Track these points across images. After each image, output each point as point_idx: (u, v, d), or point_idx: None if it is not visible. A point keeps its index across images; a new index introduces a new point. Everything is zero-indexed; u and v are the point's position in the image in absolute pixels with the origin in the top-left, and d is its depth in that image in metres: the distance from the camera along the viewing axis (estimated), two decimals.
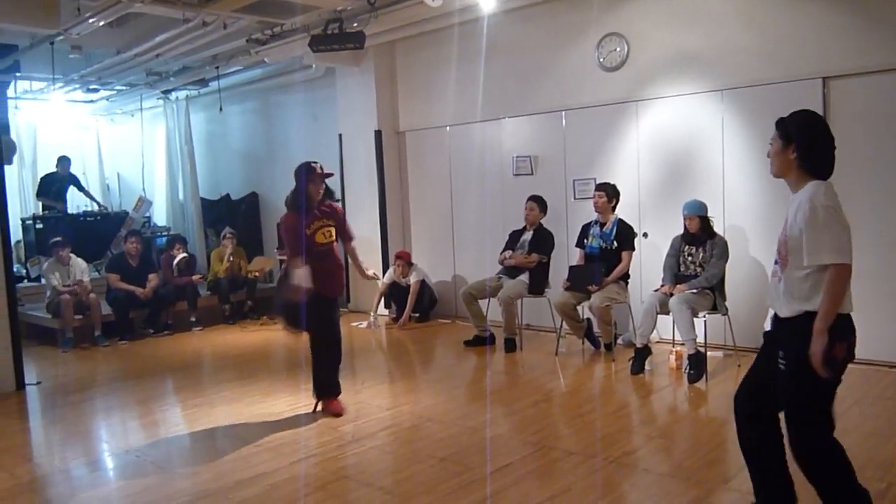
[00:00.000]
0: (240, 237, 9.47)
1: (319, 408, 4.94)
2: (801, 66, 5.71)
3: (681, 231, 5.87)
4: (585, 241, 6.40)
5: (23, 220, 10.26)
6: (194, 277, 8.75)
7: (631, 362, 5.73)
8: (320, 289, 4.71)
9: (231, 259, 8.99)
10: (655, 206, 6.66)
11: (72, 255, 8.11)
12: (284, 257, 4.92)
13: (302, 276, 4.62)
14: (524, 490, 3.56)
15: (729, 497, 3.35)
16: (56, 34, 6.96)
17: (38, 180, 10.64)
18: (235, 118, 11.08)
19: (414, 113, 8.73)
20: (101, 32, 7.17)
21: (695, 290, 5.55)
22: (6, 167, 6.49)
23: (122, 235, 9.33)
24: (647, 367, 5.71)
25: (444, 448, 4.20)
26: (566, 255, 7.01)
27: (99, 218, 10.68)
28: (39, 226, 9.90)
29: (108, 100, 10.92)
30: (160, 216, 11.67)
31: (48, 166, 10.72)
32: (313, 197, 4.79)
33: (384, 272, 8.51)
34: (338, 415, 4.87)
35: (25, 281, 9.42)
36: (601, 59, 6.87)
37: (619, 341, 6.63)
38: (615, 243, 6.20)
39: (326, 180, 4.88)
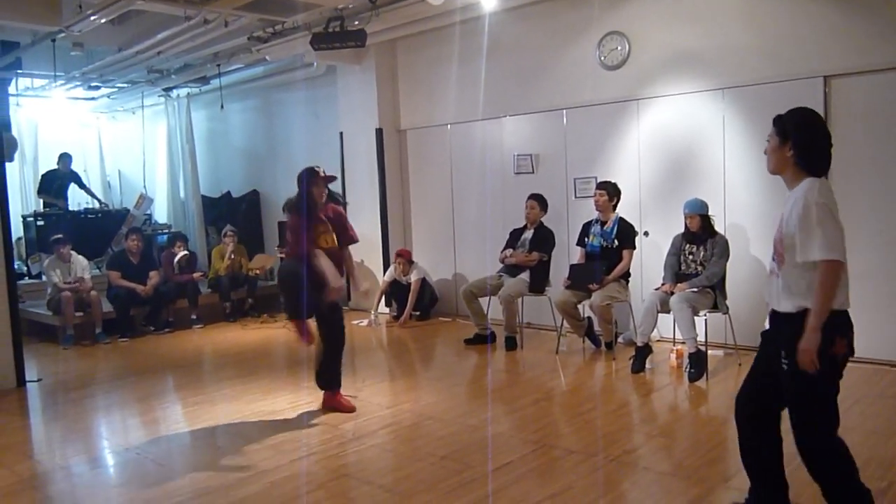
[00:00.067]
0: (241, 235, 9.47)
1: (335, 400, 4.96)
2: (802, 65, 5.71)
3: (681, 230, 5.87)
4: (586, 239, 6.39)
5: (24, 217, 10.27)
6: (195, 275, 8.76)
7: (631, 361, 5.73)
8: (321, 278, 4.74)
9: (232, 257, 9.00)
10: (656, 205, 6.66)
11: (73, 253, 8.12)
12: (284, 255, 4.92)
13: (327, 265, 4.66)
14: (524, 488, 3.57)
15: (729, 496, 3.35)
16: (58, 31, 6.96)
17: (40, 177, 10.64)
18: (237, 116, 11.08)
19: (415, 111, 8.73)
20: (102, 30, 7.17)
21: (695, 289, 5.54)
22: (7, 164, 6.50)
23: (123, 233, 9.33)
24: (647, 365, 5.71)
25: (444, 446, 4.21)
26: (567, 254, 7.00)
27: (100, 215, 10.68)
28: (40, 223, 9.91)
29: (109, 97, 10.92)
30: (161, 214, 11.67)
31: (49, 163, 10.72)
32: (316, 200, 4.79)
33: (385, 270, 8.52)
34: (350, 410, 4.89)
35: (26, 278, 9.41)
36: (602, 58, 6.86)
37: (620, 340, 6.63)
38: (616, 242, 6.20)
39: (329, 184, 4.90)
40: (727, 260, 5.65)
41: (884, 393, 4.94)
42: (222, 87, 9.41)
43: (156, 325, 8.28)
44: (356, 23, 6.74)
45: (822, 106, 5.56)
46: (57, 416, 5.37)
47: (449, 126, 8.32)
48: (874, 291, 5.52)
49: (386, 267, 8.58)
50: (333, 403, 4.93)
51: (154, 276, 8.25)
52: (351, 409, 4.91)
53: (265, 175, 10.84)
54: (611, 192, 6.27)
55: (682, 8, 6.33)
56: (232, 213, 10.85)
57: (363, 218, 8.62)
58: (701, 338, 5.46)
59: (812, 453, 2.76)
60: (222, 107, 9.59)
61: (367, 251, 8.84)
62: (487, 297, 6.81)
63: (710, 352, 5.60)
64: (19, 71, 9.30)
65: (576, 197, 7.21)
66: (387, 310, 8.63)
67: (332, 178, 4.94)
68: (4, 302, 5.94)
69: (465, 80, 7.96)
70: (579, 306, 6.28)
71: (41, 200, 10.51)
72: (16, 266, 7.44)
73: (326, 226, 4.85)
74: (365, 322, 8.24)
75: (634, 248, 6.26)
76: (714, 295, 5.64)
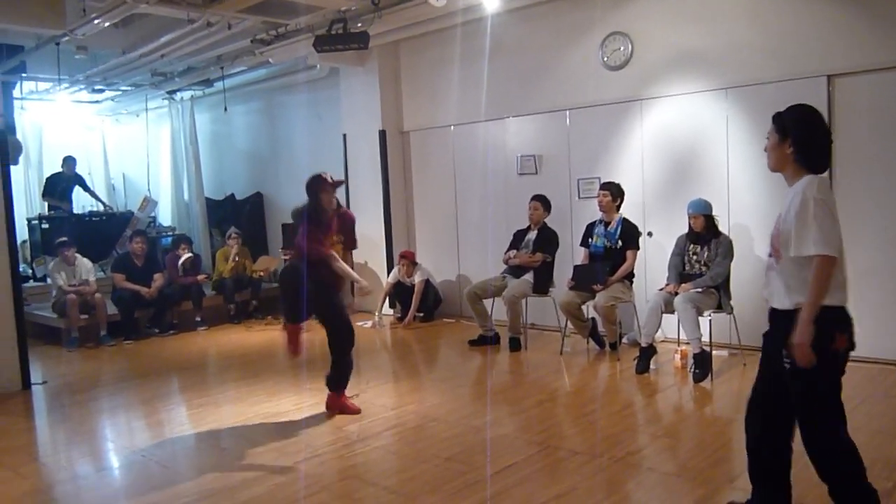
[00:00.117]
0: (245, 237, 9.49)
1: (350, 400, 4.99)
2: (805, 64, 5.70)
3: (685, 230, 5.86)
4: (590, 240, 6.39)
5: (28, 221, 10.30)
6: (199, 277, 8.77)
7: (636, 361, 5.73)
8: (328, 279, 4.77)
9: (236, 259, 9.01)
10: (660, 205, 6.65)
11: (77, 255, 8.14)
12: (288, 257, 4.94)
13: (345, 269, 4.79)
14: (529, 490, 3.56)
15: (734, 496, 3.34)
16: (62, 35, 6.99)
17: (44, 180, 10.68)
18: (240, 118, 11.10)
19: (418, 113, 8.73)
20: (106, 33, 7.19)
21: (700, 289, 5.54)
22: (12, 167, 6.50)
23: (128, 235, 9.36)
24: (652, 366, 5.70)
25: (448, 447, 4.21)
26: (571, 255, 7.00)
27: (104, 218, 10.70)
28: (45, 226, 9.94)
29: (113, 100, 10.95)
30: (165, 216, 11.69)
31: (54, 166, 10.74)
32: (326, 207, 4.80)
33: (388, 272, 8.53)
34: (355, 411, 4.90)
35: (31, 281, 9.45)
36: (605, 58, 6.86)
37: (624, 340, 6.62)
38: (620, 242, 6.19)
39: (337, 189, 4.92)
40: (731, 260, 5.64)
41: (889, 392, 4.92)
42: (226, 89, 9.44)
43: (160, 328, 8.30)
44: (359, 25, 6.75)
45: (826, 105, 5.55)
46: (62, 418, 5.39)
47: (452, 127, 8.33)
48: (879, 290, 5.51)
49: (389, 268, 8.59)
50: (338, 405, 4.93)
51: (158, 279, 8.27)
52: (356, 411, 4.91)
53: (269, 177, 10.86)
54: (614, 192, 6.27)
55: (685, 8, 6.32)
56: (236, 215, 10.86)
57: (367, 220, 8.62)
58: (705, 338, 5.45)
59: (818, 452, 2.76)
60: (226, 109, 9.62)
61: (370, 253, 8.85)
62: (491, 299, 6.81)
63: (714, 352, 5.60)
64: (24, 74, 9.32)
65: (579, 198, 7.20)
66: (390, 311, 8.64)
67: (340, 183, 4.96)
68: (10, 305, 5.96)
69: (468, 81, 7.96)
70: (583, 307, 6.27)
71: (46, 203, 10.55)
72: (21, 269, 7.46)
73: (336, 236, 4.89)
74: (369, 324, 8.24)
75: (638, 248, 6.26)
76: (718, 295, 5.62)
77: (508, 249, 6.85)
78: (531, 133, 7.60)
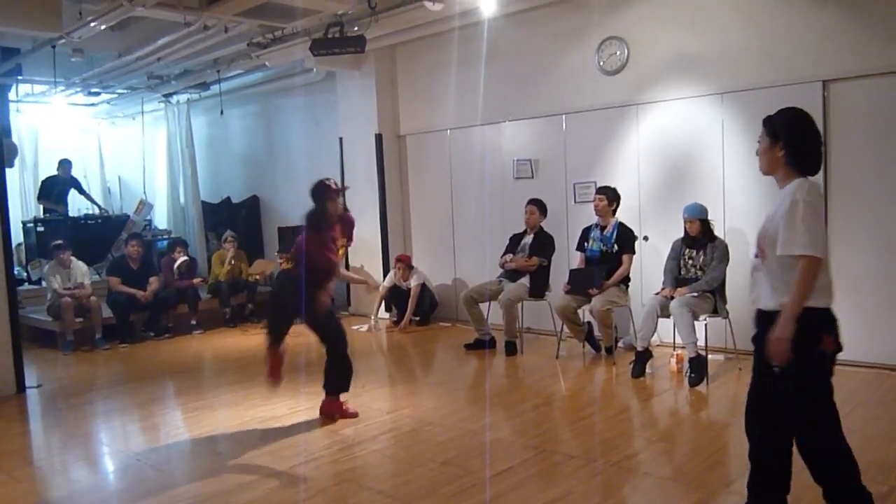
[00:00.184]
0: (241, 240, 9.47)
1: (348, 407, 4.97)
2: (800, 69, 5.72)
3: (681, 234, 5.87)
4: (586, 244, 6.40)
5: (24, 223, 10.27)
6: (195, 281, 8.75)
7: (632, 366, 5.73)
8: (326, 301, 4.78)
9: (232, 262, 9.00)
10: (656, 210, 6.66)
11: (73, 258, 8.12)
12: (283, 260, 4.92)
13: (349, 275, 4.73)
14: (525, 494, 3.56)
15: (730, 500, 3.35)
16: (58, 37, 6.97)
17: (40, 183, 10.65)
18: (236, 122, 11.10)
19: (415, 116, 8.74)
20: (102, 36, 7.18)
21: (695, 294, 5.54)
22: (7, 170, 6.50)
23: (123, 238, 9.33)
24: (647, 370, 5.71)
25: (444, 452, 4.20)
26: (567, 259, 7.00)
27: (100, 221, 10.68)
28: (40, 229, 9.91)
29: (109, 103, 10.93)
30: (161, 219, 11.68)
31: (49, 169, 10.72)
32: (332, 214, 4.80)
33: (385, 275, 8.52)
34: (352, 415, 4.90)
35: (26, 284, 9.42)
36: (601, 63, 6.88)
37: (620, 345, 6.63)
38: (616, 247, 6.20)
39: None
40: (727, 264, 5.65)
41: (884, 397, 4.94)
42: (222, 92, 9.43)
43: (156, 331, 8.28)
44: (356, 28, 6.75)
45: (821, 110, 5.57)
46: (57, 421, 5.37)
47: (448, 131, 8.34)
48: (873, 294, 5.52)
49: (386, 272, 8.58)
50: (335, 409, 4.91)
51: (154, 282, 8.25)
52: (353, 415, 4.90)
53: (265, 181, 10.85)
54: (610, 196, 6.28)
55: (681, 13, 6.34)
56: (232, 218, 10.86)
57: (363, 223, 8.59)
58: (701, 342, 5.46)
59: (813, 453, 2.77)
60: (222, 112, 9.61)
61: (367, 256, 8.85)
62: (487, 303, 6.81)
63: (710, 356, 5.60)
64: (20, 77, 9.31)
65: (575, 202, 7.21)
66: (387, 315, 8.63)
67: (345, 189, 4.97)
68: (4, 308, 5.94)
69: (465, 85, 7.97)
70: (579, 311, 6.28)
71: (41, 206, 10.53)
72: (16, 272, 7.45)
73: (341, 240, 4.89)
74: (365, 327, 8.24)
75: (634, 252, 6.26)
76: (714, 299, 5.63)
77: (505, 253, 6.85)
78: (527, 137, 7.61)
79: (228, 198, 11.24)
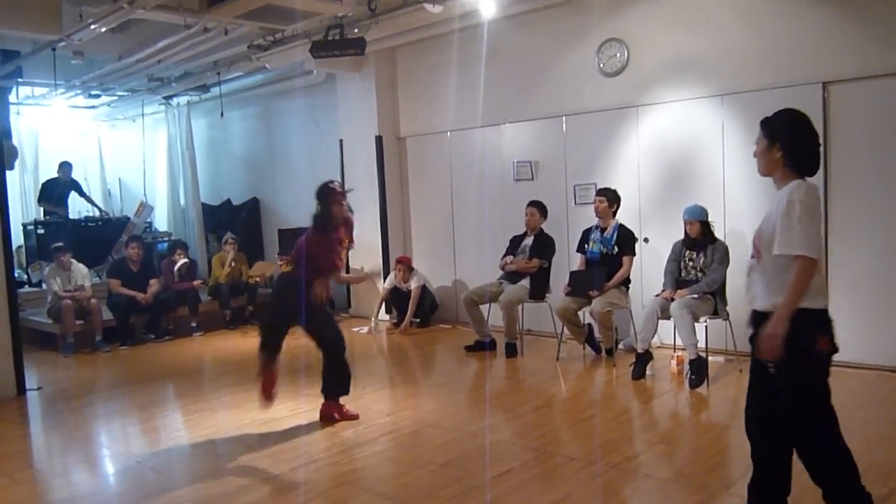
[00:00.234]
0: (241, 243, 9.48)
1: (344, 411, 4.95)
2: (800, 71, 5.72)
3: (681, 236, 5.87)
4: (586, 246, 6.40)
5: (24, 226, 10.28)
6: (195, 283, 8.75)
7: (632, 367, 5.73)
8: (323, 295, 4.76)
9: (232, 264, 9.00)
10: (656, 211, 6.66)
11: (73, 261, 8.12)
12: (283, 262, 4.90)
13: (347, 277, 4.72)
14: (525, 496, 3.56)
15: (731, 502, 3.35)
16: (58, 40, 6.98)
17: (40, 186, 10.66)
18: (236, 124, 11.10)
19: (415, 118, 8.74)
20: (102, 38, 7.18)
21: (696, 295, 5.54)
22: (8, 172, 6.50)
23: (124, 241, 9.34)
24: (648, 372, 5.70)
25: (444, 453, 4.20)
26: (567, 261, 7.00)
27: (100, 223, 10.69)
28: (41, 231, 9.92)
29: (109, 105, 10.94)
30: (161, 221, 11.68)
31: (50, 172, 10.73)
32: (338, 216, 4.80)
33: (385, 277, 8.52)
34: (352, 417, 4.90)
35: (27, 286, 9.43)
36: (601, 65, 6.88)
37: (621, 346, 6.62)
38: (616, 248, 6.20)
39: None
40: (727, 266, 5.65)
41: (884, 398, 4.93)
42: (222, 95, 9.43)
43: (156, 333, 8.28)
44: (356, 31, 6.76)
45: (821, 112, 5.58)
46: (57, 424, 5.36)
47: (448, 133, 8.34)
48: (874, 295, 5.52)
49: (386, 274, 8.58)
50: (335, 412, 4.91)
51: (154, 284, 8.25)
52: (354, 417, 4.90)
53: (265, 183, 10.86)
54: (610, 198, 6.28)
55: (681, 15, 6.35)
56: (232, 220, 10.86)
57: (363, 225, 8.59)
58: (701, 344, 5.46)
59: (811, 454, 2.77)
60: (222, 115, 9.61)
61: (367, 258, 8.84)
62: (488, 304, 6.81)
63: (710, 358, 5.60)
64: (20, 79, 9.31)
65: (575, 203, 7.21)
66: (387, 317, 8.63)
67: (349, 191, 4.97)
68: (4, 310, 5.94)
69: (465, 87, 7.97)
70: (580, 313, 6.28)
71: (41, 209, 10.53)
72: (16, 274, 7.45)
73: (344, 242, 4.88)
74: (365, 329, 8.24)
75: (634, 254, 6.26)
76: (714, 301, 5.63)
77: (505, 255, 6.85)
78: (527, 139, 7.61)
79: (229, 200, 11.24)
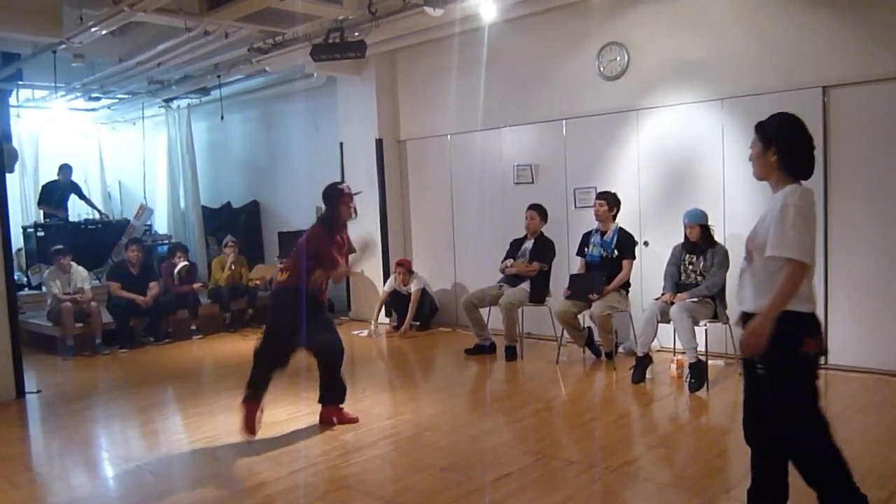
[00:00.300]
0: (241, 245, 9.47)
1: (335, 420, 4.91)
2: (801, 75, 5.73)
3: (681, 240, 5.87)
4: (586, 249, 6.40)
5: (24, 228, 10.28)
6: (195, 286, 8.75)
7: (632, 371, 5.72)
8: (321, 295, 4.75)
9: (232, 267, 8.99)
10: (656, 215, 6.67)
11: (73, 263, 8.12)
12: (281, 269, 4.86)
13: (345, 269, 4.78)
14: (525, 499, 3.55)
15: None
16: (58, 43, 6.98)
17: (40, 188, 10.67)
18: (237, 127, 11.11)
19: (415, 121, 8.75)
20: (103, 41, 7.19)
21: (695, 299, 5.54)
22: (8, 175, 6.50)
23: (123, 243, 9.34)
24: (648, 375, 5.70)
25: (444, 457, 4.20)
26: (567, 264, 7.00)
27: (100, 226, 10.69)
28: (41, 234, 9.92)
29: (109, 108, 10.96)
30: (161, 224, 11.69)
31: (50, 174, 10.74)
32: (345, 217, 4.81)
33: (385, 280, 8.52)
34: (353, 420, 4.88)
35: (26, 289, 9.43)
36: (601, 68, 6.89)
37: (620, 350, 6.62)
38: (616, 252, 6.20)
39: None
40: (727, 270, 5.65)
41: (885, 402, 4.93)
42: (223, 97, 9.45)
43: (156, 336, 8.27)
44: (356, 34, 6.76)
45: (821, 116, 5.58)
46: (56, 427, 5.35)
47: (448, 136, 8.34)
48: (874, 299, 5.52)
49: (386, 277, 8.58)
50: (336, 416, 4.89)
51: (154, 287, 8.25)
52: (354, 420, 4.89)
53: (265, 186, 10.87)
54: (610, 202, 6.28)
55: (681, 18, 6.35)
56: (232, 223, 10.87)
57: (363, 228, 8.61)
58: (701, 348, 5.45)
59: (802, 457, 2.77)
60: (222, 117, 9.63)
61: (366, 261, 8.84)
62: (487, 308, 6.81)
63: (710, 362, 5.60)
64: (20, 82, 9.33)
65: (575, 207, 7.21)
66: (387, 320, 8.63)
67: (357, 194, 4.97)
68: (4, 313, 5.93)
69: (465, 90, 7.98)
70: (579, 316, 6.28)
71: (41, 211, 10.54)
72: (16, 277, 7.45)
73: (344, 245, 4.89)
74: (365, 332, 8.23)
75: (634, 257, 6.26)
76: (714, 305, 5.63)
77: (505, 258, 6.85)
78: (527, 142, 7.62)
79: (229, 203, 11.25)
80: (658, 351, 6.31)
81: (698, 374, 5.37)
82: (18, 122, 10.92)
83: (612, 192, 6.38)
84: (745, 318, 2.87)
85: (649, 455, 4.22)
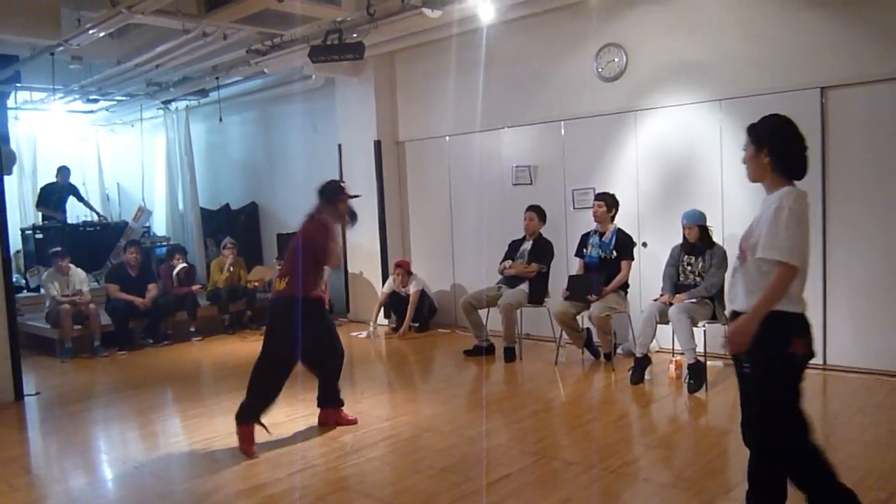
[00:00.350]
0: (239, 247, 9.47)
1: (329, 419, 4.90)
2: (799, 76, 5.74)
3: (680, 240, 5.88)
4: (585, 250, 6.40)
5: (22, 231, 10.27)
6: (194, 287, 8.75)
7: (631, 372, 5.73)
8: (320, 293, 4.75)
9: (231, 269, 8.99)
10: (654, 216, 6.67)
11: (71, 266, 8.12)
12: (278, 277, 4.81)
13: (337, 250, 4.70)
14: (524, 500, 3.55)
15: None
16: (56, 45, 6.98)
17: (38, 190, 10.67)
18: (235, 128, 11.11)
19: (413, 123, 8.75)
20: (101, 43, 7.19)
21: (694, 300, 5.55)
22: (6, 177, 6.51)
23: (122, 245, 9.34)
24: (646, 376, 5.71)
25: (443, 458, 4.20)
26: (565, 265, 7.01)
27: (98, 228, 10.69)
28: (39, 236, 9.92)
29: (108, 110, 10.95)
30: (160, 226, 11.69)
31: (48, 176, 10.74)
32: (342, 213, 4.80)
33: (384, 281, 8.52)
34: (352, 422, 4.88)
35: (25, 291, 9.42)
36: (600, 70, 6.89)
37: (619, 351, 6.62)
38: (614, 253, 6.21)
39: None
40: (725, 270, 5.63)
41: (883, 403, 4.93)
42: (221, 99, 9.45)
43: (154, 338, 8.26)
44: (354, 35, 6.76)
45: (819, 117, 5.59)
46: (55, 429, 5.35)
47: (447, 138, 8.34)
48: (872, 300, 5.53)
49: (385, 278, 8.58)
50: (335, 418, 4.89)
51: (153, 289, 8.24)
52: (353, 422, 4.89)
53: (264, 187, 10.87)
54: (609, 203, 6.28)
55: (679, 20, 6.36)
56: (231, 225, 10.86)
57: (362, 229, 8.61)
58: (700, 348, 5.45)
59: (784, 458, 2.78)
60: (221, 119, 9.63)
61: (365, 262, 8.85)
62: (486, 309, 6.81)
63: (709, 362, 5.60)
64: (18, 84, 9.33)
65: (574, 208, 7.22)
66: (385, 321, 8.63)
67: (355, 196, 4.95)
68: (3, 315, 5.92)
69: (463, 91, 7.98)
70: (578, 317, 6.28)
71: (40, 213, 10.54)
72: (14, 279, 7.44)
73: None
74: (364, 334, 8.23)
75: (633, 258, 6.27)
76: (713, 306, 5.63)
77: (503, 259, 6.86)
78: (526, 143, 7.62)
79: (227, 204, 11.24)
80: (657, 352, 6.32)
81: (697, 374, 5.37)
82: (17, 125, 10.92)
83: (611, 193, 6.38)
84: (735, 316, 2.88)
85: (648, 456, 4.23)
